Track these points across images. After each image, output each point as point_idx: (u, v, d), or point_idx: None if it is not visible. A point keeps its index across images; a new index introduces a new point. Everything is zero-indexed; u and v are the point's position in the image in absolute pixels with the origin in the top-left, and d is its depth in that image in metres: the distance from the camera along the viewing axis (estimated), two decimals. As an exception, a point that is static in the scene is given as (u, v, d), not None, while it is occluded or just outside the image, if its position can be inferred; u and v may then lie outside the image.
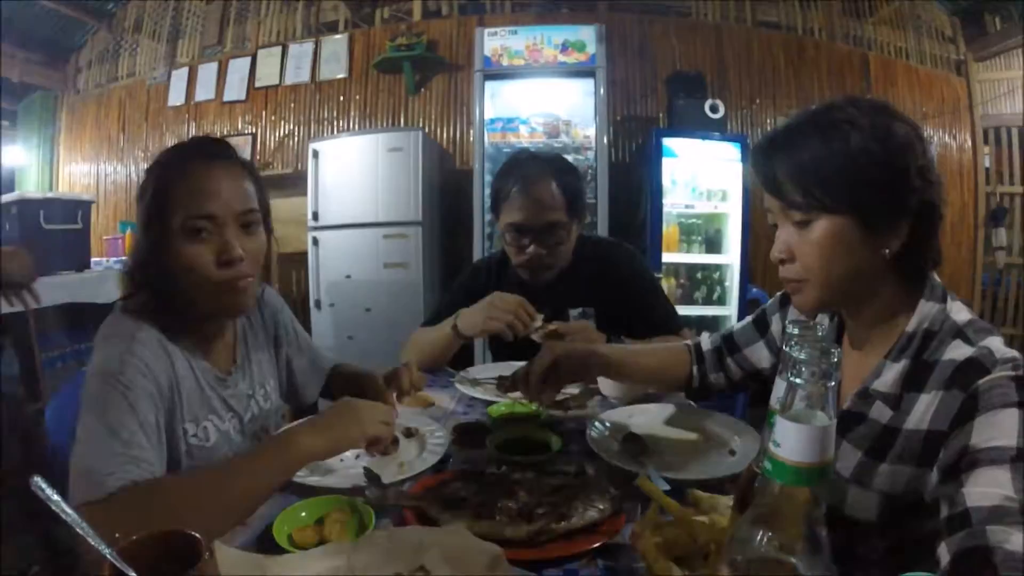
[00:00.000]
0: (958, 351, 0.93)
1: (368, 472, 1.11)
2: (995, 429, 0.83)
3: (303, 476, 1.16)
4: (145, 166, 1.20)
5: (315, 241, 4.28)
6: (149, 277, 1.18)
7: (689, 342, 1.55)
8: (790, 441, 0.53)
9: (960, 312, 0.99)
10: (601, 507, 0.97)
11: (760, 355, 1.42)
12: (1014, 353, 0.90)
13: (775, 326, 1.40)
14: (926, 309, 0.99)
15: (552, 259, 1.94)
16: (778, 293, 1.39)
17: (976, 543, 0.76)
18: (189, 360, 1.22)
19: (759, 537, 0.56)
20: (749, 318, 1.47)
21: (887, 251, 0.98)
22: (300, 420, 1.20)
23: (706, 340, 1.52)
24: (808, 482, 0.53)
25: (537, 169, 1.90)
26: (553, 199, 1.87)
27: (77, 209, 3.04)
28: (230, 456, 1.20)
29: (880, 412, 0.99)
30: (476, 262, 2.35)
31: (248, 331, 1.42)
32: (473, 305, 1.83)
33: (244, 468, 1.07)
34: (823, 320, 1.24)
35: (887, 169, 0.94)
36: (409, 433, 1.38)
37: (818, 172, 0.96)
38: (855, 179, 0.94)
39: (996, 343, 0.92)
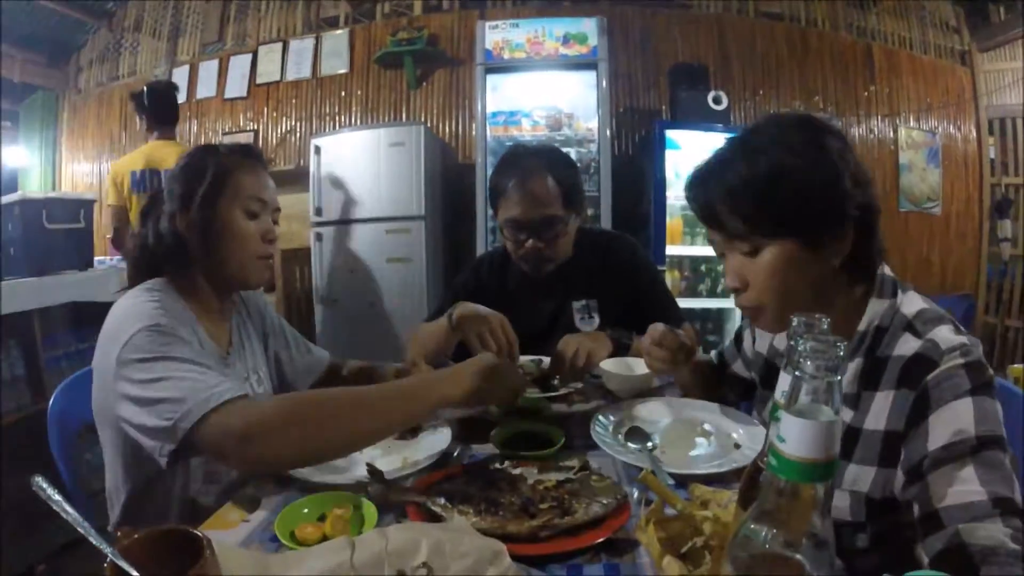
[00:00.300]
0: (907, 345, 0.94)
1: (371, 468, 1.12)
2: (950, 425, 0.83)
3: (306, 473, 1.16)
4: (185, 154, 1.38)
5: (318, 237, 4.27)
6: (178, 248, 1.32)
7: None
8: (795, 437, 0.52)
9: (911, 303, 0.99)
10: (604, 502, 0.97)
11: (742, 371, 1.48)
12: (961, 339, 0.90)
13: (746, 342, 1.44)
14: (876, 306, 1.00)
15: (551, 252, 1.92)
16: None
17: (951, 543, 0.76)
18: (198, 333, 1.28)
19: (763, 534, 0.55)
20: (732, 337, 1.53)
21: (836, 261, 0.98)
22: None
23: (713, 356, 1.59)
24: (813, 478, 0.52)
25: (532, 164, 1.90)
26: (548, 194, 1.87)
27: (79, 208, 3.02)
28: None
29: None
30: (479, 257, 2.34)
31: (240, 320, 1.50)
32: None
33: (392, 393, 1.14)
34: (767, 338, 1.29)
35: (820, 184, 0.94)
36: (414, 430, 1.38)
37: (753, 199, 0.96)
38: (790, 201, 0.94)
39: (943, 332, 0.92)
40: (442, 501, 1.00)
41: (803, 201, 0.94)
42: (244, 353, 1.47)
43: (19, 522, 2.19)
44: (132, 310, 1.17)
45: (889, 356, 0.95)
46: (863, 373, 0.98)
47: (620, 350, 1.75)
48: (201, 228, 1.31)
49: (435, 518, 0.98)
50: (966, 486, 0.79)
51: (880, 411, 0.94)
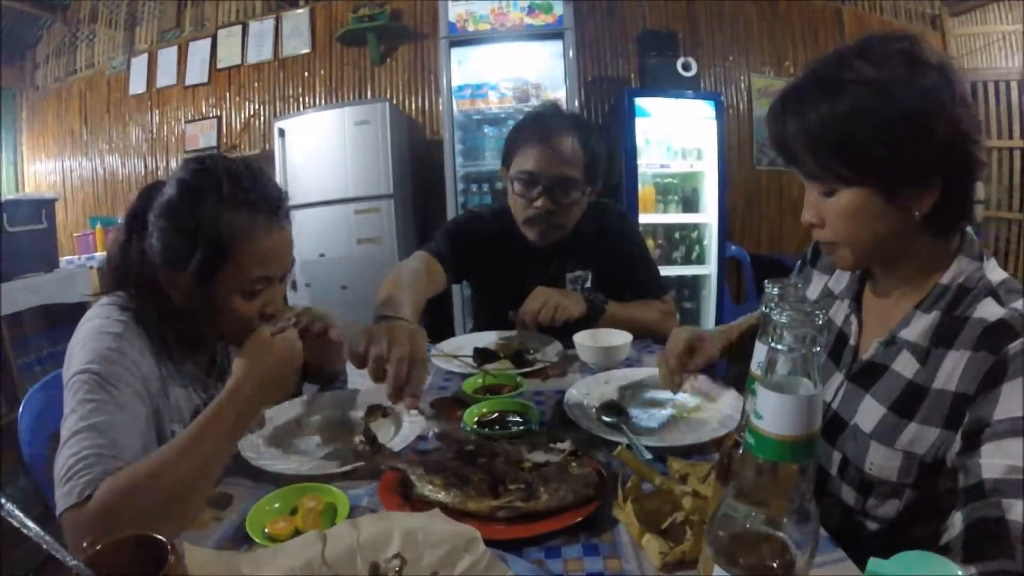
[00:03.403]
0: (989, 309, 0.89)
1: (367, 432, 1.16)
2: (1020, 399, 0.80)
3: (275, 464, 1.13)
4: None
5: (287, 221, 4.17)
6: (161, 294, 1.18)
7: None
8: (773, 412, 0.48)
9: (995, 271, 0.95)
10: (575, 490, 0.94)
11: None
12: None
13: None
14: (962, 264, 0.95)
15: (561, 218, 1.81)
16: (798, 261, 1.39)
17: (987, 514, 0.74)
18: (174, 362, 1.21)
19: (743, 512, 0.52)
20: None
21: (917, 213, 0.91)
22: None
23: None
24: (793, 457, 0.49)
25: (560, 121, 1.80)
26: (572, 154, 1.76)
27: (40, 208, 2.92)
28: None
29: (905, 365, 0.96)
30: (478, 211, 2.13)
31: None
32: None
33: (203, 430, 1.03)
34: (821, 281, 1.24)
35: (906, 130, 0.85)
36: (384, 412, 1.35)
37: (832, 142, 0.89)
38: (871, 148, 0.87)
39: None
40: (420, 471, 1.00)
41: (885, 151, 0.86)
42: (229, 369, 1.34)
43: (5, 532, 2.15)
44: (89, 338, 1.09)
45: (969, 317, 0.91)
46: (938, 328, 0.93)
47: (594, 312, 1.74)
48: (186, 297, 1.16)
49: (408, 485, 0.99)
50: (1018, 461, 0.76)
51: (952, 371, 0.89)
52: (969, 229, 0.98)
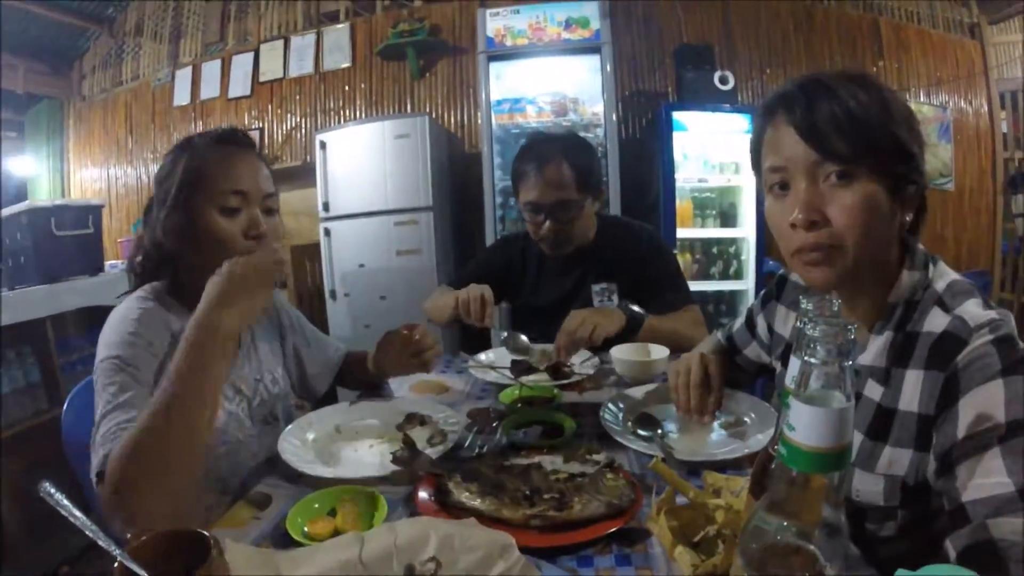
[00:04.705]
0: (935, 321, 0.90)
1: (405, 436, 1.17)
2: (979, 409, 0.79)
3: (315, 468, 1.16)
4: (156, 166, 1.27)
5: (327, 232, 4.25)
6: (168, 252, 1.26)
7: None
8: (805, 425, 0.50)
9: (942, 277, 0.95)
10: (609, 502, 0.95)
11: (758, 353, 1.43)
12: (991, 314, 0.86)
13: (760, 326, 1.39)
14: (908, 278, 0.95)
15: (567, 234, 2.03)
16: (761, 292, 1.39)
17: (978, 539, 0.73)
18: None
19: (775, 525, 0.53)
20: (741, 319, 1.48)
21: (906, 220, 0.94)
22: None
23: (720, 336, 1.53)
24: (825, 468, 0.50)
25: (549, 150, 1.99)
26: (563, 178, 1.95)
27: (88, 214, 3.03)
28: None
29: (872, 389, 0.96)
30: (502, 236, 2.52)
31: None
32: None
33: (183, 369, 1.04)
34: (789, 321, 1.24)
35: (915, 137, 0.91)
36: (422, 421, 1.37)
37: (867, 124, 0.89)
38: (896, 139, 0.90)
39: (971, 307, 0.88)
40: (458, 477, 1.03)
41: (905, 144, 0.90)
42: (256, 355, 1.43)
43: (42, 524, 2.22)
44: (113, 327, 1.18)
45: (919, 332, 0.91)
46: (892, 348, 0.93)
47: (632, 324, 1.76)
48: (178, 234, 1.24)
49: (445, 492, 1.01)
50: (991, 477, 0.75)
51: (912, 392, 0.89)
52: (910, 240, 0.99)
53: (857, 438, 0.96)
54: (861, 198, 0.89)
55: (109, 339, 1.16)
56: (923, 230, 1.00)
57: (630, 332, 1.78)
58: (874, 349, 0.95)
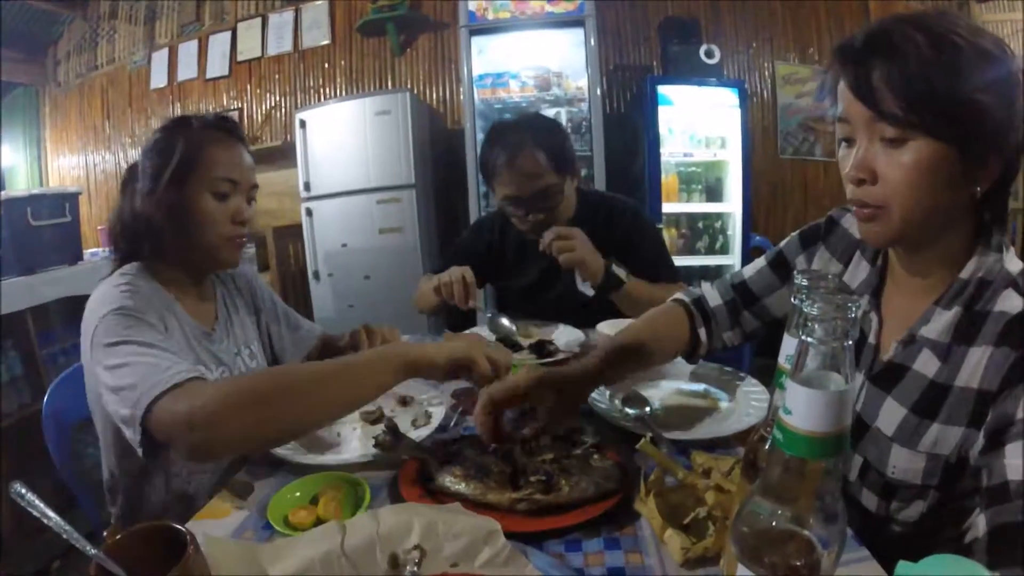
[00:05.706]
0: (1010, 302, 0.86)
1: (388, 421, 1.14)
2: None
3: (294, 454, 1.15)
4: (135, 151, 1.25)
5: (308, 212, 4.21)
6: (155, 227, 1.29)
7: (683, 297, 1.39)
8: (802, 408, 0.47)
9: (1013, 261, 0.91)
10: (596, 483, 0.93)
11: (783, 303, 1.29)
12: None
13: (801, 266, 1.25)
14: (983, 257, 0.91)
15: (553, 219, 1.94)
16: (795, 233, 1.27)
17: (1012, 518, 0.71)
18: (177, 313, 1.29)
19: (769, 509, 0.51)
20: (761, 262, 1.33)
21: (978, 189, 0.88)
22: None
23: (712, 294, 1.36)
24: (823, 453, 0.47)
25: (517, 139, 1.90)
26: (538, 166, 1.88)
27: (64, 202, 2.97)
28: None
29: (926, 363, 0.93)
30: (479, 218, 2.42)
31: (226, 295, 1.49)
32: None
33: (360, 363, 1.07)
34: (831, 268, 1.17)
35: (999, 99, 0.82)
36: (404, 401, 1.36)
37: (927, 84, 0.82)
38: (967, 101, 0.82)
39: None
40: (440, 458, 1.02)
41: (978, 106, 0.82)
42: (232, 328, 1.46)
43: (33, 520, 2.20)
44: (102, 297, 1.16)
45: (990, 311, 0.88)
46: (959, 325, 0.90)
47: (610, 280, 1.77)
48: (168, 210, 1.28)
49: (428, 476, 1.00)
50: None
51: (975, 368, 0.87)
52: (986, 214, 0.94)
53: (900, 413, 0.94)
54: (913, 160, 0.85)
55: (104, 298, 1.15)
56: (1006, 202, 0.93)
57: (608, 290, 1.79)
58: (940, 324, 0.92)
